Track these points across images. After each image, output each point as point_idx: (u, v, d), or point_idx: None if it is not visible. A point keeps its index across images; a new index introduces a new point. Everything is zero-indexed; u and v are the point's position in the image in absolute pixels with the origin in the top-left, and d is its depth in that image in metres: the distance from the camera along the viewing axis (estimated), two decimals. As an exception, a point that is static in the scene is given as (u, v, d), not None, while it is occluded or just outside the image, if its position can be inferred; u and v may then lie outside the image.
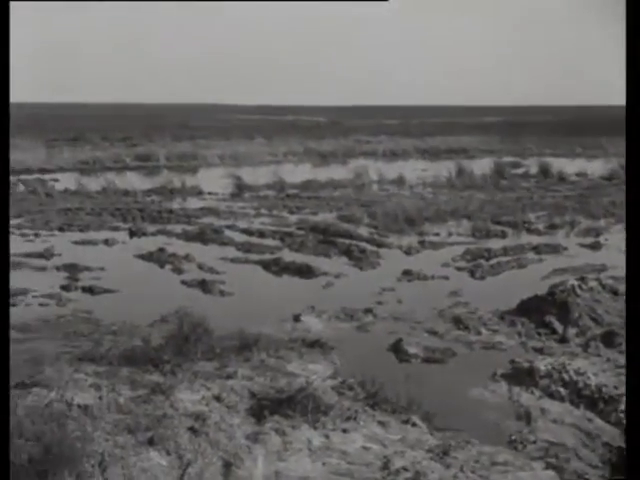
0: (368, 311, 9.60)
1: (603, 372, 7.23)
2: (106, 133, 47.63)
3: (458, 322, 9.07)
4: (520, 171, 29.03)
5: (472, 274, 11.91)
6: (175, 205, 20.06)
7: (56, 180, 26.28)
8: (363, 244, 14.09)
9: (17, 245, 14.15)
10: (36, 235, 15.37)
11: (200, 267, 12.36)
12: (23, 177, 26.98)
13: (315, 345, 8.14)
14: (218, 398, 6.37)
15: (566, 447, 5.78)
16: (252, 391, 6.57)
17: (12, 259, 12.75)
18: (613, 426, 6.14)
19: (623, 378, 6.69)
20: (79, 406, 5.93)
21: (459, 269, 12.28)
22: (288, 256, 13.10)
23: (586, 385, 6.86)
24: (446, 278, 11.64)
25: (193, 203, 20.57)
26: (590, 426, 6.20)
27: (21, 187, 24.20)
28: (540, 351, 8.09)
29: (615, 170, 25.80)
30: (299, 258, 12.90)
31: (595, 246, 14.23)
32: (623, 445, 5.50)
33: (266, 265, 12.55)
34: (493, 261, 12.77)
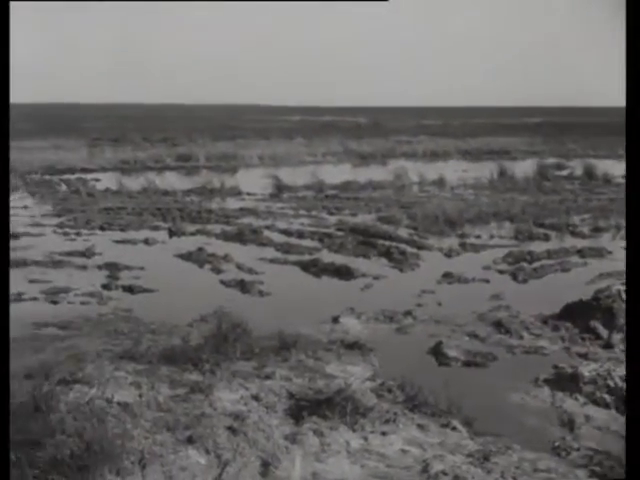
0: (408, 313, 9.51)
1: (650, 379, 7.03)
2: (147, 133, 48.26)
3: (499, 326, 8.92)
4: (564, 173, 28.55)
5: (514, 277, 11.73)
6: (214, 205, 20.18)
7: (98, 180, 26.69)
8: (403, 246, 13.98)
9: (59, 244, 14.41)
10: (78, 234, 15.61)
11: (239, 267, 12.40)
12: (65, 177, 27.48)
13: (354, 347, 8.08)
14: (256, 398, 6.37)
15: (610, 455, 5.62)
16: (290, 392, 6.55)
17: (54, 257, 13.02)
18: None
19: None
20: (119, 403, 5.99)
21: (501, 272, 12.10)
22: (327, 257, 13.08)
23: (632, 392, 6.67)
24: (487, 281, 11.48)
25: (232, 203, 20.68)
26: (636, 434, 6.02)
27: (63, 187, 24.63)
28: (584, 357, 7.91)
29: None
30: (338, 259, 12.86)
31: (641, 250, 13.88)
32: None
33: (305, 266, 12.53)
34: (536, 264, 12.55)
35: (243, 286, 11.11)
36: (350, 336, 8.52)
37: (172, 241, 15.11)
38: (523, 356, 8.10)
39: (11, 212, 18.50)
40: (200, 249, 13.62)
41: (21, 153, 34.23)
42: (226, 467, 5.07)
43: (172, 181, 24.93)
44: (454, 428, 6.01)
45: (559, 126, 60.66)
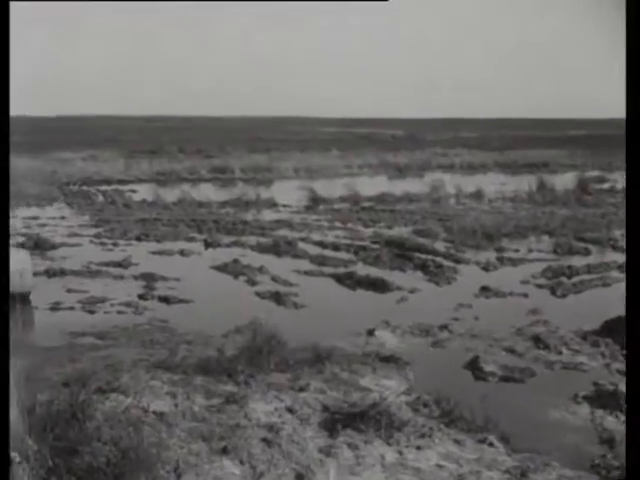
0: (444, 327, 9.41)
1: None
2: (183, 145, 48.80)
3: (538, 341, 8.78)
4: (605, 186, 28.09)
5: (553, 292, 11.54)
6: (250, 217, 20.28)
7: (134, 191, 27.05)
8: (439, 259, 13.88)
9: (96, 254, 14.60)
10: (114, 244, 15.80)
11: (274, 279, 12.41)
12: (102, 188, 27.89)
13: (389, 360, 8.02)
14: (291, 410, 6.35)
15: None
16: (325, 404, 6.51)
17: (91, 267, 13.18)
18: None
19: None
20: (155, 413, 6.02)
21: (539, 286, 11.92)
22: (362, 270, 13.03)
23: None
24: (525, 295, 11.31)
25: (267, 215, 20.77)
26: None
27: (100, 198, 24.98)
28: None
29: None
30: (373, 272, 12.80)
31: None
32: None
33: (340, 278, 12.50)
34: (575, 279, 12.34)
35: (278, 298, 11.11)
36: (385, 349, 8.46)
37: (207, 252, 15.20)
38: (562, 372, 7.95)
39: (50, 222, 18.85)
40: (235, 261, 13.68)
41: (60, 164, 34.92)
42: (260, 478, 5.05)
43: (208, 193, 25.15)
44: (491, 444, 5.91)
45: (600, 138, 59.79)
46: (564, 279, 12.32)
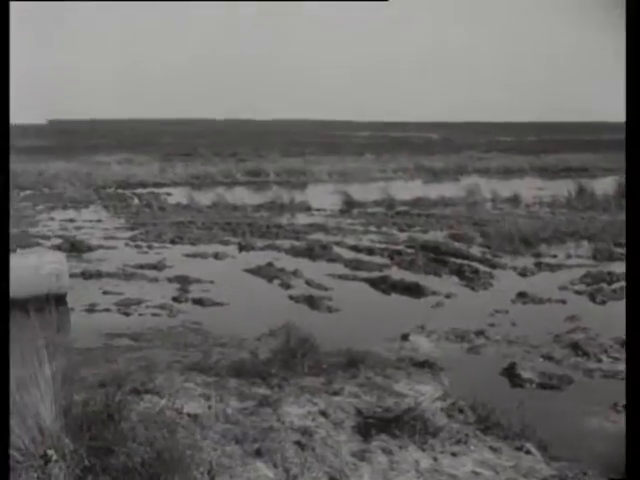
0: (480, 333, 9.29)
1: None
2: (217, 149, 49.15)
3: (576, 348, 8.61)
4: (646, 191, 27.48)
5: (592, 298, 11.32)
6: (284, 221, 20.31)
7: (169, 194, 27.29)
8: (475, 264, 13.72)
9: (132, 256, 14.75)
10: (149, 247, 15.93)
11: (308, 283, 12.39)
12: (138, 191, 28.20)
13: (424, 365, 7.93)
14: (324, 414, 6.31)
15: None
16: (359, 409, 6.47)
17: (127, 270, 13.31)
18: None
19: None
20: (189, 415, 6.04)
21: (578, 293, 11.71)
22: (397, 274, 12.94)
23: None
24: (564, 302, 11.12)
25: (302, 219, 20.78)
26: None
27: (136, 200, 25.26)
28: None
29: None
30: (408, 276, 12.72)
31: None
32: None
33: (374, 283, 12.43)
34: (616, 285, 12.08)
35: (312, 302, 11.09)
36: (420, 354, 8.38)
37: (242, 255, 15.25)
38: (601, 380, 7.78)
39: (86, 225, 19.10)
40: (269, 264, 13.70)
41: (97, 167, 35.44)
42: (294, 482, 5.03)
43: (242, 196, 25.25)
44: (528, 452, 5.81)
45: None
46: (604, 285, 12.08)
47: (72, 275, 11.65)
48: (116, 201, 25.01)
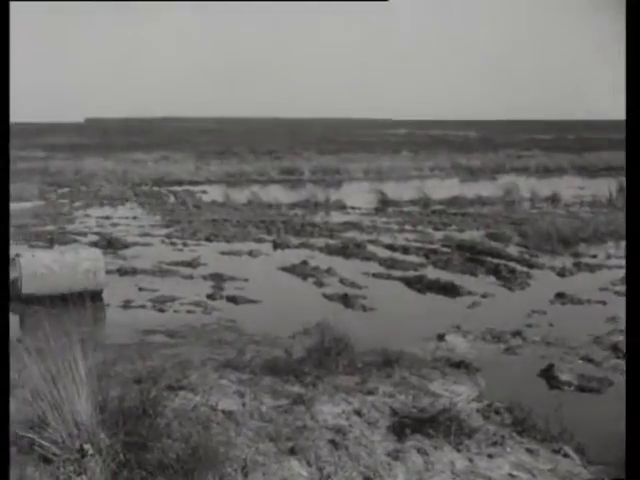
0: (517, 334, 9.16)
1: None
2: (252, 147, 49.30)
3: (616, 350, 8.42)
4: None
5: (633, 300, 11.06)
6: (318, 219, 20.30)
7: (204, 192, 27.43)
8: (512, 264, 13.54)
9: (167, 254, 14.87)
10: (184, 244, 16.03)
11: (342, 281, 12.35)
12: (173, 188, 28.40)
13: (459, 366, 7.84)
14: (359, 413, 6.27)
15: None
16: (393, 408, 6.41)
17: (162, 267, 13.41)
18: None
19: None
20: (223, 411, 6.04)
21: (618, 294, 11.44)
22: (432, 273, 12.84)
23: None
24: (604, 303, 10.90)
25: (336, 217, 20.73)
26: None
27: (171, 198, 25.44)
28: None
29: None
30: (444, 276, 12.60)
31: None
32: None
33: (409, 282, 12.34)
34: (657, 286, 11.78)
35: (346, 300, 11.05)
36: (456, 355, 8.28)
37: (276, 254, 15.27)
38: (643, 383, 7.58)
39: (122, 222, 19.31)
40: (304, 262, 13.68)
41: (133, 165, 35.83)
42: (327, 481, 4.99)
43: (277, 194, 25.28)
44: (566, 455, 5.70)
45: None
46: (645, 286, 11.79)
47: (108, 272, 11.77)
48: (152, 199, 25.26)
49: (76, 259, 11.06)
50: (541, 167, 37.53)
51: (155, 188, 28.78)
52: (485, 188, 26.78)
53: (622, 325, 9.52)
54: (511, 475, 5.32)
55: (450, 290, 11.67)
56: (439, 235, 17.23)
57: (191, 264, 13.67)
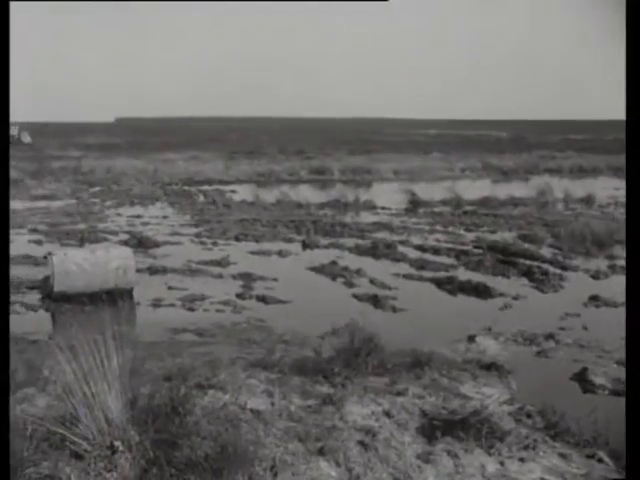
0: (550, 336, 9.02)
1: None
2: (282, 146, 49.31)
3: (652, 354, 8.22)
4: None
5: (670, 302, 10.83)
6: (348, 219, 20.22)
7: (234, 191, 27.47)
8: (545, 265, 13.37)
9: (196, 253, 14.92)
10: (214, 244, 16.08)
11: (372, 282, 12.29)
12: (203, 188, 28.49)
13: (490, 368, 7.74)
14: (388, 414, 6.21)
15: None
16: (423, 410, 6.34)
17: (192, 266, 13.43)
18: None
19: None
20: (252, 411, 6.03)
21: (654, 297, 11.21)
22: (463, 275, 12.72)
23: None
24: (639, 306, 10.67)
25: (366, 217, 20.64)
26: None
27: (201, 198, 25.51)
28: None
29: None
30: (475, 277, 12.48)
31: None
32: None
33: (440, 283, 12.24)
34: (694, 290, 11.53)
35: (376, 301, 10.99)
36: (487, 357, 8.18)
37: (305, 253, 15.24)
38: (680, 388, 7.41)
39: (152, 221, 19.43)
40: (333, 262, 13.64)
41: (163, 164, 36.07)
42: (356, 482, 4.95)
43: (306, 194, 25.25)
44: (600, 460, 5.59)
45: None
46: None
47: (138, 270, 11.85)
48: (182, 198, 25.37)
49: (107, 257, 11.15)
50: (575, 168, 37.03)
51: (185, 187, 28.90)
52: (518, 189, 26.49)
53: (658, 329, 9.33)
54: (543, 479, 5.23)
55: (481, 292, 11.55)
56: (470, 236, 17.08)
57: (220, 263, 13.70)
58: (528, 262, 13.62)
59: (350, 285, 12.16)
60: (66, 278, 10.78)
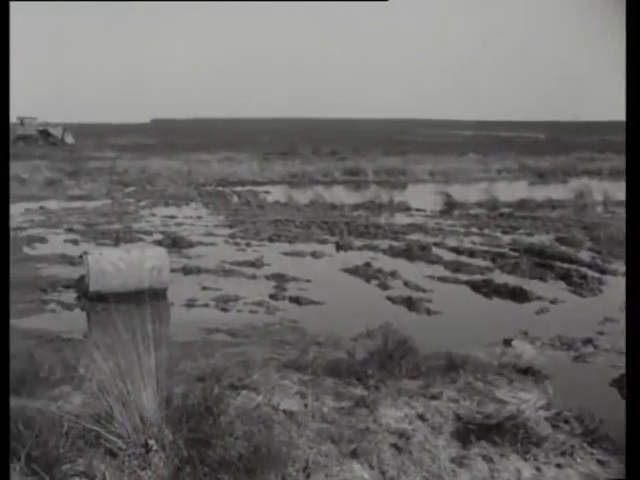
0: (588, 341, 8.85)
1: None
2: (316, 147, 49.33)
3: (695, 360, 8.02)
4: None
5: None
6: (382, 220, 20.14)
7: (268, 192, 27.52)
8: (584, 269, 13.15)
9: (230, 253, 14.98)
10: (248, 245, 16.12)
11: (406, 284, 12.21)
12: (237, 189, 28.62)
13: (527, 372, 7.63)
14: (422, 417, 6.16)
15: None
16: (458, 414, 6.26)
17: (225, 266, 13.49)
18: None
19: None
20: (285, 412, 6.02)
21: (697, 302, 10.94)
22: (499, 278, 12.56)
23: None
24: (680, 310, 10.42)
25: (401, 219, 20.54)
26: None
27: (235, 198, 25.63)
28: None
29: None
30: (511, 280, 12.31)
31: None
32: None
33: (476, 286, 12.11)
34: None
35: (410, 303, 10.91)
36: (523, 361, 8.05)
37: (339, 255, 15.20)
38: None
39: (186, 222, 19.58)
40: (367, 264, 13.58)
41: (197, 165, 36.34)
42: (390, 485, 4.91)
43: (340, 195, 25.18)
44: (640, 468, 5.44)
45: None
46: None
47: (172, 270, 11.93)
48: (216, 199, 25.47)
49: (142, 257, 11.24)
50: (615, 170, 36.43)
51: (219, 188, 29.03)
52: (555, 191, 26.13)
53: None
54: (580, 486, 5.13)
55: (518, 295, 11.40)
56: (507, 239, 16.89)
57: (254, 264, 13.73)
58: (566, 265, 13.40)
59: (384, 287, 12.10)
60: (101, 278, 10.90)
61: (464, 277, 12.76)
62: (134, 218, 20.35)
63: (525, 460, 5.43)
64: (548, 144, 59.61)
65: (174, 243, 15.76)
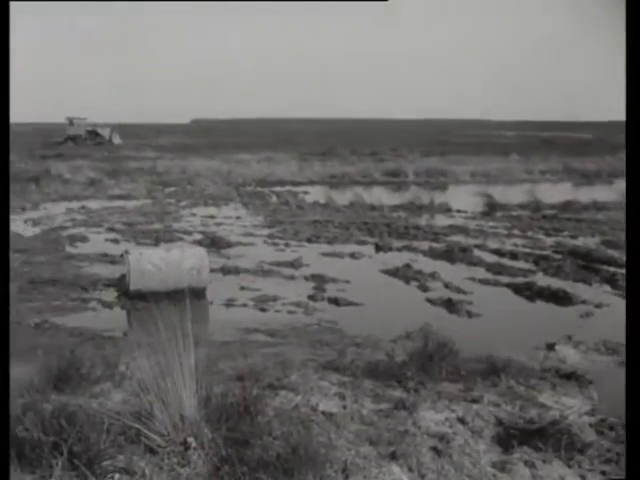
0: (634, 346, 8.61)
1: None
2: (355, 148, 49.22)
3: None
4: None
5: None
6: (422, 222, 19.98)
7: (307, 193, 27.51)
8: (630, 273, 12.81)
9: (269, 254, 15.00)
10: (286, 245, 16.13)
11: (446, 286, 12.08)
12: (276, 189, 28.68)
13: (571, 377, 7.45)
14: (462, 421, 6.06)
15: None
16: (499, 418, 6.15)
17: (264, 267, 13.52)
18: None
19: None
20: (323, 413, 5.99)
21: None
22: (542, 281, 12.35)
23: None
24: None
25: (441, 220, 20.35)
26: None
27: (274, 199, 25.68)
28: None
29: None
30: (555, 283, 12.09)
31: None
32: None
33: (518, 289, 11.92)
34: None
35: (450, 305, 10.79)
36: (567, 366, 7.88)
37: (378, 256, 15.12)
38: None
39: (226, 222, 19.69)
40: (407, 265, 13.48)
41: (237, 165, 36.54)
42: (430, 489, 4.84)
43: (380, 196, 25.03)
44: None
45: None
46: None
47: (212, 270, 11.99)
48: (255, 199, 25.55)
49: (182, 257, 11.33)
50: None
51: (258, 188, 29.14)
52: (601, 193, 25.62)
53: None
54: (627, 495, 4.98)
55: (561, 298, 11.19)
56: (550, 241, 16.61)
57: (293, 265, 13.73)
58: (612, 269, 13.11)
59: (424, 289, 11.99)
60: (142, 277, 11.02)
61: (506, 279, 12.58)
62: (174, 218, 20.54)
63: (569, 467, 5.30)
64: (592, 145, 58.53)
65: (213, 243, 15.86)
